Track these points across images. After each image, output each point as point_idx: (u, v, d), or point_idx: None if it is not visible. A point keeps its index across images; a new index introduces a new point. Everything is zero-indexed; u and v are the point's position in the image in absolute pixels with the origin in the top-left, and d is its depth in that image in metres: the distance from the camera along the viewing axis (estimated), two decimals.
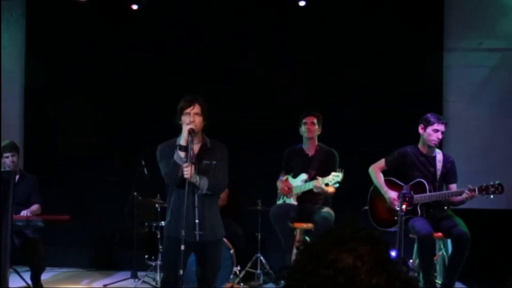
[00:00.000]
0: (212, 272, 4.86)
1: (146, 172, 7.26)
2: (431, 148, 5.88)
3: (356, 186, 6.40)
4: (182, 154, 4.64)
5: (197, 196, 4.66)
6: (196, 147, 4.75)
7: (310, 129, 6.31)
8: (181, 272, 4.54)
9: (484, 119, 7.98)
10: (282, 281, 1.46)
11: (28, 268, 6.48)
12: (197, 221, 4.60)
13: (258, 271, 7.28)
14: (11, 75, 8.31)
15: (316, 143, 6.39)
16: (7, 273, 4.87)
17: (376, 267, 1.35)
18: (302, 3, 7.47)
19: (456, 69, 8.07)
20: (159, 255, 7.09)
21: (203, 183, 4.68)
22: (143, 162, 7.29)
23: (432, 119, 5.79)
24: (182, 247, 4.52)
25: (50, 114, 8.44)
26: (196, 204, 4.63)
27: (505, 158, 7.78)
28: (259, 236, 7.25)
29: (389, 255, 1.38)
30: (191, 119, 4.68)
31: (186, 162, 4.60)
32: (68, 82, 8.43)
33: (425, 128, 5.84)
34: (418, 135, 7.74)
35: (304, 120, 6.37)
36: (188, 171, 4.56)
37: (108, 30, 8.33)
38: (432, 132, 5.77)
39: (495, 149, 7.91)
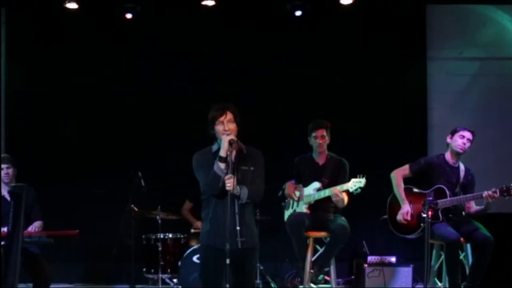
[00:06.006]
0: (250, 279, 4.81)
1: (143, 184, 7.19)
2: (458, 155, 6.04)
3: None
4: (222, 165, 4.59)
5: (238, 205, 4.62)
6: (232, 154, 4.66)
7: (321, 144, 6.31)
8: (227, 286, 4.48)
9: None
10: None
11: (29, 285, 6.30)
12: (238, 228, 4.56)
13: (258, 281, 7.30)
14: None
15: (326, 152, 6.43)
16: None
17: None
18: (298, 13, 7.60)
19: (439, 78, 8.43)
20: (159, 268, 7.03)
21: (243, 193, 4.65)
22: (139, 174, 7.21)
23: (458, 127, 6.04)
24: (228, 261, 4.46)
25: (33, 125, 8.21)
26: (237, 211, 4.59)
27: (487, 165, 8.04)
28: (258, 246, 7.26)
29: None
30: (225, 127, 4.64)
31: (227, 173, 4.56)
32: (53, 92, 8.22)
33: (452, 136, 6.02)
34: (405, 141, 8.08)
35: (314, 134, 6.32)
36: (230, 183, 4.53)
37: (96, 37, 8.17)
38: (458, 138, 5.96)
39: (477, 156, 8.15)
